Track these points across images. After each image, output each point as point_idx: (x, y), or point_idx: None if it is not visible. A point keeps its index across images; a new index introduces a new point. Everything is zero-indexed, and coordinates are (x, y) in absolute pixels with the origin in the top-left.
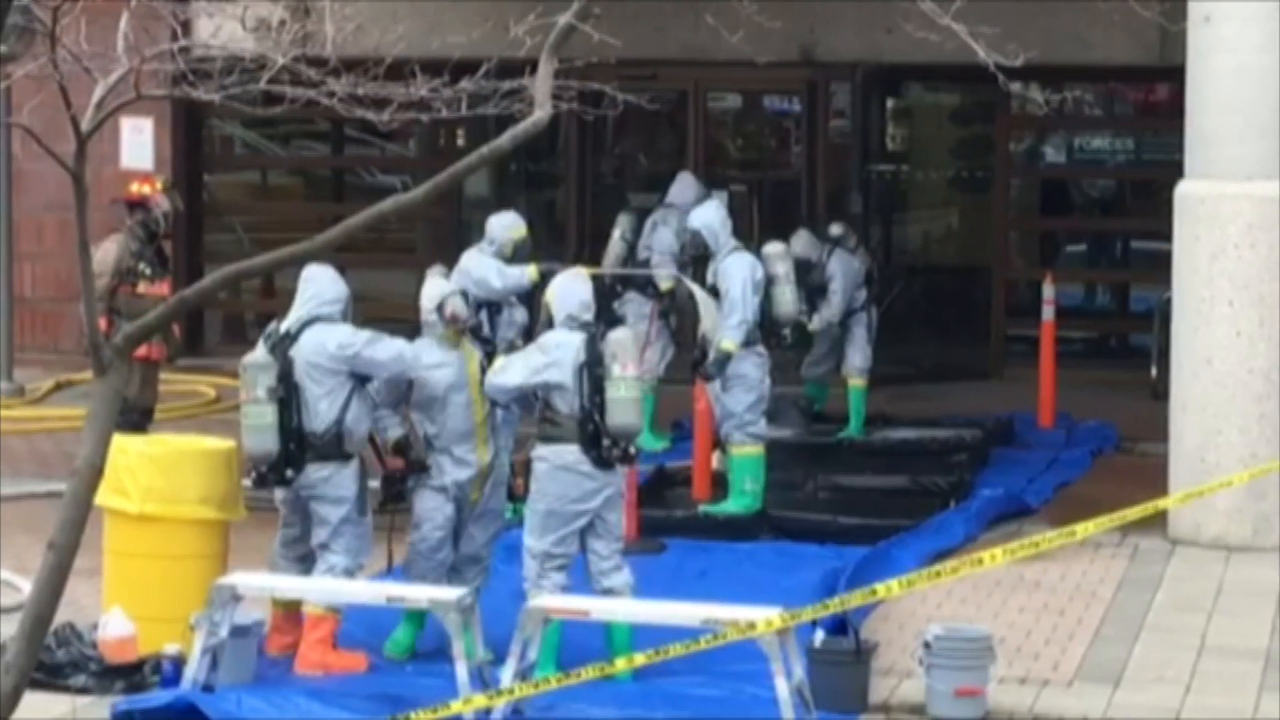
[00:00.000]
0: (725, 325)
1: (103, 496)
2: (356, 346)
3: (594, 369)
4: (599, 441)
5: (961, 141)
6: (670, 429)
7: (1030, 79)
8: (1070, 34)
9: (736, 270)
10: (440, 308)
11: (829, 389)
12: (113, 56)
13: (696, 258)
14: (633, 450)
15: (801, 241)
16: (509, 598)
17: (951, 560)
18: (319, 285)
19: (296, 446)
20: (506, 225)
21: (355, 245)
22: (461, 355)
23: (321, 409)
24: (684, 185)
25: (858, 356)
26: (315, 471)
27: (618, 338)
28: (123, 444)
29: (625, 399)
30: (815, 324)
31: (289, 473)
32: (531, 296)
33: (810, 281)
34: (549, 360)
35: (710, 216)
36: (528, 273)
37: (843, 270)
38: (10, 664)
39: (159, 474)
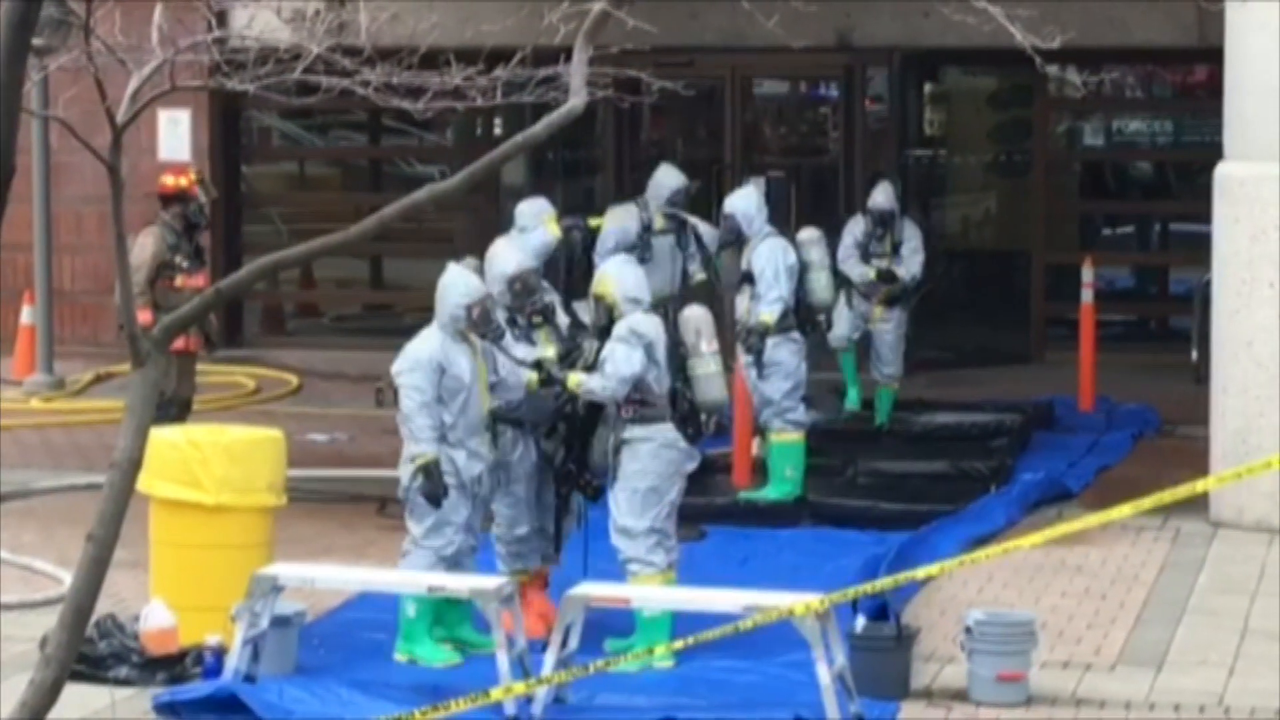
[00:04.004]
0: (763, 301)
1: (170, 490)
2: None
3: (675, 348)
4: (689, 418)
5: (999, 125)
6: None
7: (1068, 61)
8: (1108, 15)
9: (768, 253)
10: (470, 307)
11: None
12: (147, 48)
13: (728, 242)
14: (724, 424)
15: (884, 192)
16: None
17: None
18: None
19: None
20: (536, 211)
21: (393, 235)
22: (470, 347)
23: None
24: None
25: (891, 364)
26: None
27: (695, 315)
28: (194, 437)
29: (713, 374)
30: (904, 275)
31: None
32: (558, 264)
33: (885, 241)
34: (648, 341)
35: (746, 202)
36: (547, 230)
37: (916, 233)
38: (51, 656)
39: (233, 464)
